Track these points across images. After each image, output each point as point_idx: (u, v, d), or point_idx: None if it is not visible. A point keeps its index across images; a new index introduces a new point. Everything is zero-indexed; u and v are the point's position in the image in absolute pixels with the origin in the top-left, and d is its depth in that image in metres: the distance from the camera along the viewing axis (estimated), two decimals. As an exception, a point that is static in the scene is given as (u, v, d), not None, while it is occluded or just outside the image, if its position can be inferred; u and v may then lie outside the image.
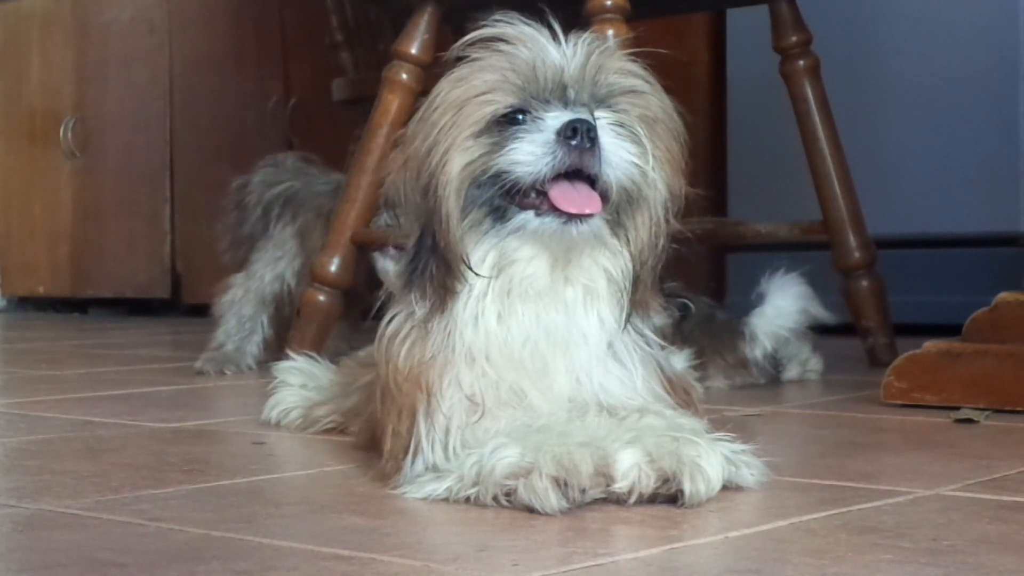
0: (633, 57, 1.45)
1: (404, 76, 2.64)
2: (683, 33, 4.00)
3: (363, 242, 2.67)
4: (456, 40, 1.42)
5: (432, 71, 2.49)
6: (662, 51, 1.50)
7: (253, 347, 2.92)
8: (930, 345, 2.08)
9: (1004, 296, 2.12)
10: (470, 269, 1.38)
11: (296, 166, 3.06)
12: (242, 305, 2.93)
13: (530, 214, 1.37)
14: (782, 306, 2.43)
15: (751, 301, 2.48)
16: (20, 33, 5.60)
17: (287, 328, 2.89)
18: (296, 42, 4.70)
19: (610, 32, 2.35)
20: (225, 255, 3.04)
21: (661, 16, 3.36)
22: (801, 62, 2.74)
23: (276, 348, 2.83)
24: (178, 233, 5.02)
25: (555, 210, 1.35)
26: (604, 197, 1.36)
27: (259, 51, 4.82)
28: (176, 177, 5.03)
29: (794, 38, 2.74)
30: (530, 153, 1.34)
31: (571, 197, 1.35)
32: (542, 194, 1.36)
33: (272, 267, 2.94)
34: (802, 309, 2.44)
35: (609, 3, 2.39)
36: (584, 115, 1.35)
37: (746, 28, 3.75)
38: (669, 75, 1.49)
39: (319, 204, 2.91)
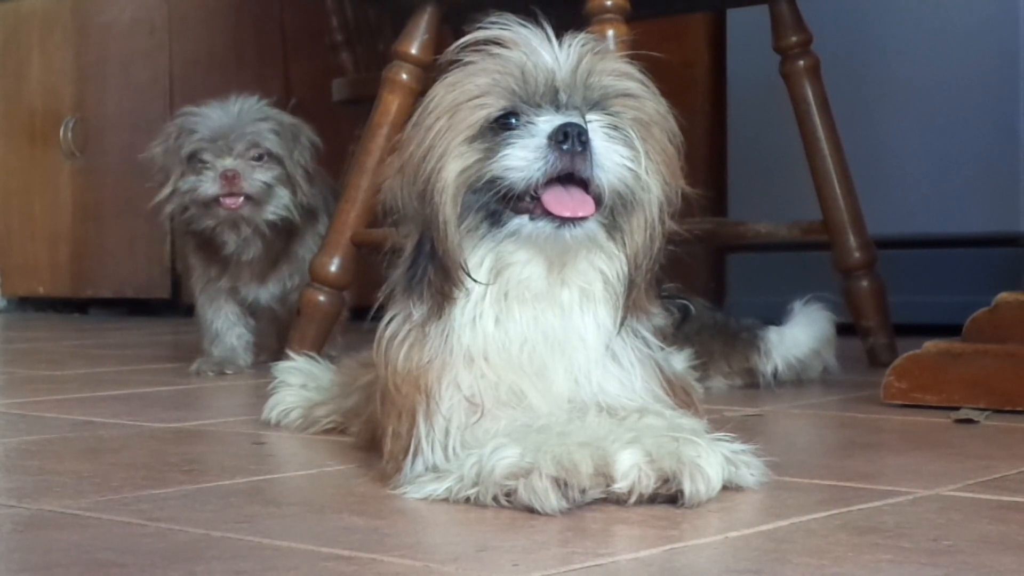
0: (628, 59, 1.45)
1: (404, 76, 2.64)
2: (683, 33, 4.00)
3: (363, 242, 2.67)
4: (456, 40, 1.42)
5: (432, 72, 2.49)
6: (656, 55, 1.49)
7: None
8: (930, 345, 2.08)
9: (1004, 296, 2.13)
10: (469, 276, 1.38)
11: None
12: None
13: (524, 219, 1.37)
14: (800, 340, 2.43)
15: (777, 314, 2.47)
16: (20, 33, 5.60)
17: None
18: (296, 42, 4.70)
19: (610, 32, 2.35)
20: None
21: (661, 16, 3.36)
22: (801, 62, 2.74)
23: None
24: (178, 233, 5.01)
25: (548, 214, 1.35)
26: (597, 200, 1.37)
27: (259, 51, 4.82)
28: (176, 177, 5.02)
29: (794, 38, 2.74)
30: (522, 159, 1.34)
31: (564, 201, 1.35)
32: (536, 198, 1.36)
33: None
34: (816, 351, 2.45)
35: (609, 3, 2.39)
36: (575, 119, 1.35)
37: (746, 28, 3.75)
38: (669, 76, 1.49)
39: None
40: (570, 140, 1.33)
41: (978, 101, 3.52)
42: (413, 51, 2.64)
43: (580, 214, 1.35)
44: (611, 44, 2.33)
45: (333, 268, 2.70)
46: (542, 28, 1.40)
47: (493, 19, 1.41)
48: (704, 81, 4.07)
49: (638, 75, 1.43)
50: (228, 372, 2.84)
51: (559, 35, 1.41)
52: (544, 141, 1.34)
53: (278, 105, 4.67)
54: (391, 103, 2.65)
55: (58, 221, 5.43)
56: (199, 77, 4.97)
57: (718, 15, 4.01)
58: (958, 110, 3.55)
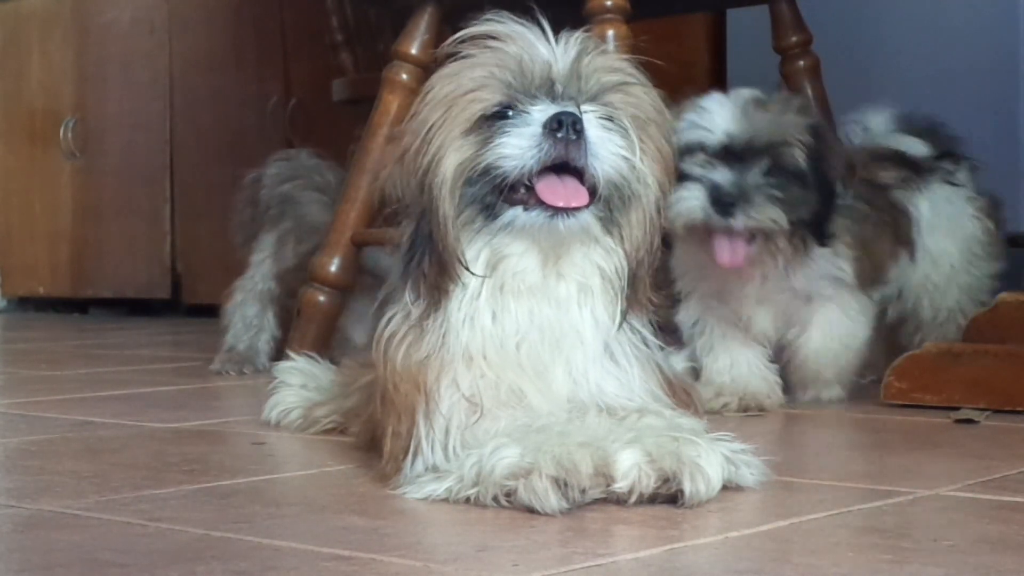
0: (625, 56, 1.45)
1: (404, 76, 2.64)
2: (683, 33, 4.00)
3: (363, 242, 2.67)
4: (455, 39, 1.43)
5: (431, 72, 2.49)
6: (647, 56, 1.49)
7: (263, 344, 2.92)
8: (930, 345, 2.08)
9: (1004, 296, 2.13)
10: (467, 270, 1.38)
11: (312, 163, 3.06)
12: (244, 307, 2.93)
13: (519, 209, 1.37)
14: None
15: None
16: (20, 33, 5.60)
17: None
18: (296, 42, 4.70)
19: (610, 32, 2.35)
20: (242, 250, 3.05)
21: (661, 16, 3.36)
22: (801, 62, 2.74)
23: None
24: (178, 233, 5.01)
25: (542, 204, 1.35)
26: (592, 191, 1.36)
27: (259, 51, 4.81)
28: (176, 177, 5.03)
29: (794, 38, 2.74)
30: (516, 147, 1.34)
31: (557, 190, 1.35)
32: (530, 189, 1.36)
33: (259, 267, 2.95)
34: None
35: (609, 3, 2.38)
36: (570, 108, 1.35)
37: (746, 28, 3.75)
38: (668, 76, 1.49)
39: (304, 213, 2.92)
40: (564, 128, 1.33)
41: (978, 101, 3.51)
42: (413, 51, 2.64)
43: (574, 204, 1.35)
44: (610, 43, 2.33)
45: (333, 268, 2.70)
46: (540, 24, 1.41)
47: (491, 15, 1.41)
48: (704, 81, 4.07)
49: (635, 72, 1.43)
50: (246, 372, 2.82)
51: (557, 33, 1.41)
52: (539, 130, 1.34)
53: (278, 105, 4.71)
54: (391, 103, 2.64)
55: (58, 221, 5.43)
56: (199, 77, 4.97)
57: (718, 15, 4.01)
58: (958, 110, 3.54)
